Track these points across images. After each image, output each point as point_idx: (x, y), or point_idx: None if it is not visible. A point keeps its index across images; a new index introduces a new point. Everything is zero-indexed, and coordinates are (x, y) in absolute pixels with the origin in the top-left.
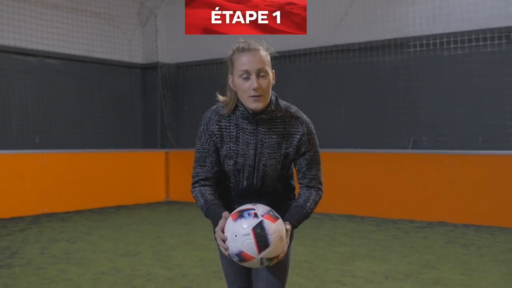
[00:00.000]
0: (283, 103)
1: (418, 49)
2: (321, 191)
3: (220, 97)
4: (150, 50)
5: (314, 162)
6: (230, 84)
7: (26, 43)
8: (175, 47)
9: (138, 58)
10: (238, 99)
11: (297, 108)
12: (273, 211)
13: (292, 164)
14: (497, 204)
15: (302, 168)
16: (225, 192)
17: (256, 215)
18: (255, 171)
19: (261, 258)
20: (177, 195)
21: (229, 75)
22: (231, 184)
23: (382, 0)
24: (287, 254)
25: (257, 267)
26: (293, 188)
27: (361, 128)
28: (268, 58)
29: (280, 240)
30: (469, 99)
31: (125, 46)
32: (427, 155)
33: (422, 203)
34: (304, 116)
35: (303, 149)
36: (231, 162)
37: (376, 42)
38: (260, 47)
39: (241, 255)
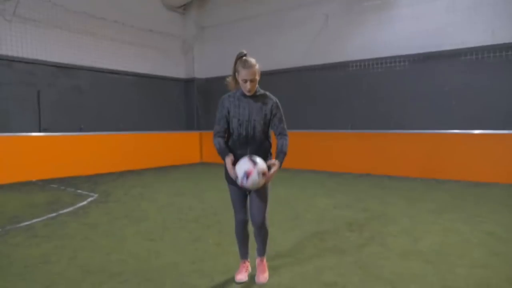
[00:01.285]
0: (262, 90)
1: (354, 68)
2: (287, 136)
3: (228, 81)
4: (189, 70)
5: (281, 120)
6: (237, 77)
7: (113, 66)
8: (205, 67)
9: (182, 74)
10: (238, 84)
11: (269, 93)
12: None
13: (270, 128)
14: (401, 162)
15: (275, 124)
16: (232, 144)
17: (254, 166)
18: (249, 124)
19: (257, 172)
20: (207, 158)
21: (236, 73)
22: (235, 137)
23: (332, 37)
24: (266, 188)
25: (257, 183)
26: (270, 145)
27: (321, 116)
28: (258, 68)
29: (254, 184)
30: (385, 98)
31: (173, 67)
32: (360, 134)
33: (356, 162)
34: (273, 96)
35: (274, 112)
36: (236, 120)
37: (329, 64)
38: (254, 64)
39: (246, 173)
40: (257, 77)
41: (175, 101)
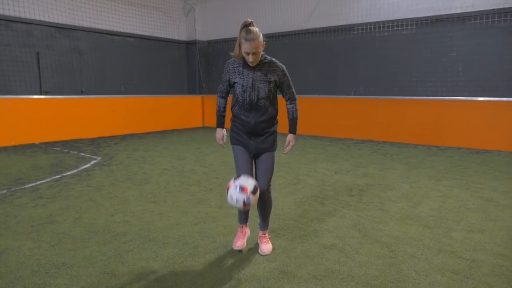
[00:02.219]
0: (269, 57)
1: (359, 32)
2: (296, 101)
3: (232, 54)
4: (191, 32)
5: (290, 86)
6: (241, 48)
7: (113, 27)
8: (207, 29)
9: (183, 37)
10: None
11: (276, 60)
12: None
13: (276, 94)
14: (403, 128)
15: (285, 89)
16: (238, 108)
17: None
18: (253, 90)
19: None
20: (209, 122)
21: (239, 44)
22: (240, 102)
23: (338, 0)
24: (274, 157)
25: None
26: (276, 112)
27: (323, 82)
28: (261, 40)
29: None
30: (389, 64)
31: (175, 29)
32: (363, 99)
33: (358, 128)
34: (279, 63)
35: (282, 80)
36: (240, 85)
37: (334, 27)
38: (257, 36)
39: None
40: (260, 49)
41: (177, 64)
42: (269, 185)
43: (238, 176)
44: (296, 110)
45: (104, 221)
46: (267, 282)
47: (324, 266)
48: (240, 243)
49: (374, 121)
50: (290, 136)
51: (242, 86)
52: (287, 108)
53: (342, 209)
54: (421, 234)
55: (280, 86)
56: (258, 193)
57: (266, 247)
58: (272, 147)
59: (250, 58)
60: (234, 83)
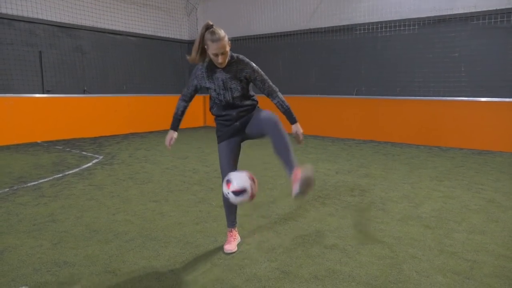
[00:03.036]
0: (235, 54)
1: (362, 32)
2: (278, 91)
3: (188, 57)
4: (193, 31)
5: (264, 80)
6: (206, 51)
7: (115, 27)
8: None
9: (185, 36)
10: (208, 56)
11: (243, 56)
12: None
13: (250, 89)
14: (405, 128)
15: (261, 86)
16: (217, 108)
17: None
18: (227, 91)
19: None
20: (210, 122)
21: (203, 46)
22: (218, 103)
23: (340, 0)
24: (258, 111)
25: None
26: (256, 101)
27: (325, 82)
28: (227, 39)
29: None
30: (392, 64)
31: (177, 29)
32: (365, 99)
33: (360, 128)
34: (246, 59)
35: (252, 77)
36: (212, 90)
37: (336, 27)
38: (223, 36)
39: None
40: (228, 49)
41: (179, 63)
42: (275, 123)
43: (222, 176)
44: (283, 101)
45: (105, 220)
46: (268, 281)
47: (325, 266)
48: (231, 246)
49: (376, 121)
50: (294, 127)
51: (215, 90)
52: (274, 104)
53: (344, 209)
54: (422, 234)
55: (254, 83)
56: (244, 194)
57: (304, 172)
58: (251, 110)
59: (219, 59)
60: (207, 88)
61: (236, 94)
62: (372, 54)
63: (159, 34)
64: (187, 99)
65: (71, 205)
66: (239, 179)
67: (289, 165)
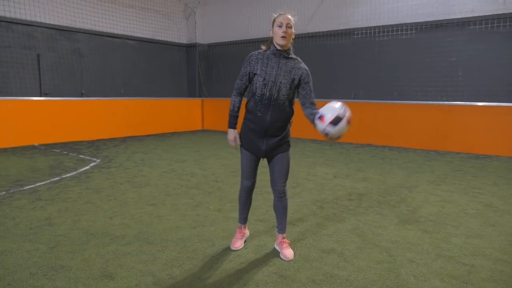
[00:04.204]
0: (294, 55)
1: (360, 36)
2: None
3: (263, 46)
4: (191, 35)
5: (312, 91)
6: (271, 33)
7: (114, 30)
8: (207, 32)
9: (183, 40)
10: (271, 43)
11: (301, 59)
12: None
13: (294, 94)
14: (403, 133)
15: (307, 92)
16: (254, 104)
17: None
18: (275, 86)
19: (347, 120)
20: (208, 125)
21: (271, 29)
22: (257, 98)
23: (338, 3)
24: (289, 157)
25: (342, 132)
26: (293, 113)
27: (323, 86)
28: (293, 22)
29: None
30: (389, 68)
31: (175, 32)
32: (363, 103)
33: (357, 132)
34: (304, 64)
35: (305, 79)
36: (261, 79)
37: (334, 31)
38: (292, 16)
39: (338, 117)
40: (293, 31)
41: (177, 67)
42: (285, 185)
43: (243, 176)
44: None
45: (102, 223)
46: (266, 286)
47: (323, 270)
48: (238, 244)
49: (374, 125)
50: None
51: (264, 79)
52: (310, 113)
53: (341, 213)
54: (420, 239)
55: (302, 87)
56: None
57: (288, 252)
58: (286, 149)
59: (282, 30)
60: (254, 75)
61: (282, 92)
62: (370, 58)
63: (157, 38)
64: (241, 92)
65: (68, 208)
66: (330, 109)
67: (281, 226)
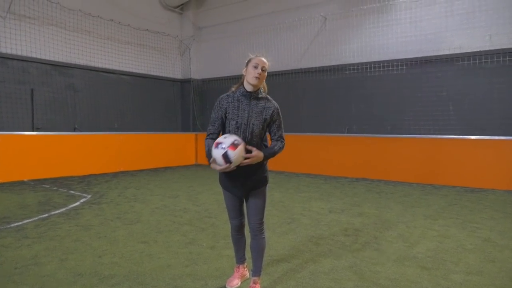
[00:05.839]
0: (264, 93)
1: (351, 71)
2: (284, 143)
3: (232, 87)
4: (186, 70)
5: (280, 127)
6: (243, 72)
7: (108, 65)
8: (201, 68)
9: (178, 75)
10: (241, 84)
11: (270, 97)
12: (237, 140)
13: (267, 133)
14: (398, 167)
15: (274, 129)
16: None
17: (223, 148)
18: (248, 128)
19: (229, 164)
20: (202, 160)
21: (245, 67)
22: None
23: (330, 40)
24: (264, 193)
25: (237, 157)
26: (266, 161)
27: (316, 120)
28: (268, 65)
29: (239, 157)
30: (382, 103)
31: (170, 68)
32: (356, 137)
33: (352, 166)
34: (274, 101)
35: (274, 118)
36: (234, 122)
37: (326, 67)
38: (265, 58)
39: (221, 161)
40: (265, 73)
41: (172, 102)
42: (261, 223)
43: (229, 216)
44: (280, 147)
45: (91, 262)
46: None
47: None
48: (235, 282)
49: (368, 159)
50: (260, 153)
51: (237, 122)
52: (272, 143)
53: (338, 249)
54: (419, 276)
55: (270, 125)
56: (234, 149)
57: None
58: (263, 184)
59: (256, 72)
60: (226, 118)
61: (255, 133)
62: (362, 93)
63: (152, 73)
64: (215, 137)
65: (55, 247)
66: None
67: (255, 267)
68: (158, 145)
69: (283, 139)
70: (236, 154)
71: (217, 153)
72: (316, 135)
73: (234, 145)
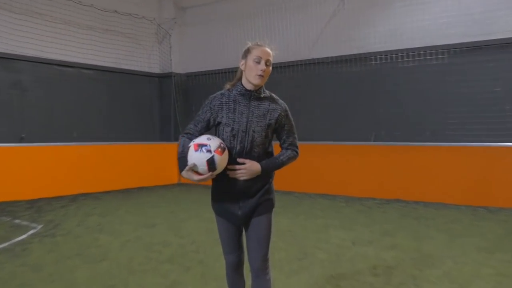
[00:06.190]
0: (267, 91)
1: (378, 62)
2: (297, 152)
3: (226, 85)
4: (165, 63)
5: (291, 132)
6: (241, 66)
7: (66, 57)
8: (185, 60)
9: (155, 69)
10: (239, 80)
11: (276, 95)
12: (223, 143)
13: (272, 140)
14: (440, 184)
15: (283, 136)
16: None
17: (209, 151)
18: (247, 136)
19: (212, 173)
20: (187, 179)
21: (242, 60)
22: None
23: (350, 23)
24: (270, 221)
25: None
26: (272, 178)
27: (334, 125)
28: (272, 56)
29: (223, 165)
30: (418, 102)
31: (145, 59)
32: (386, 147)
33: (381, 184)
34: (281, 100)
35: (283, 122)
36: (229, 129)
37: (345, 56)
38: (270, 47)
39: (204, 168)
40: (270, 68)
41: (147, 103)
42: (265, 260)
43: (224, 250)
44: (289, 156)
45: None
46: None
47: None
48: None
49: (402, 175)
50: (255, 164)
51: (232, 129)
52: (282, 151)
53: None
54: None
55: (278, 131)
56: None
57: None
58: (267, 209)
59: (259, 69)
60: (219, 123)
61: (257, 141)
62: (392, 89)
63: (122, 66)
64: (192, 137)
65: None
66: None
67: None
68: (130, 159)
69: (296, 148)
70: (223, 160)
71: (199, 158)
72: (333, 143)
73: (221, 149)
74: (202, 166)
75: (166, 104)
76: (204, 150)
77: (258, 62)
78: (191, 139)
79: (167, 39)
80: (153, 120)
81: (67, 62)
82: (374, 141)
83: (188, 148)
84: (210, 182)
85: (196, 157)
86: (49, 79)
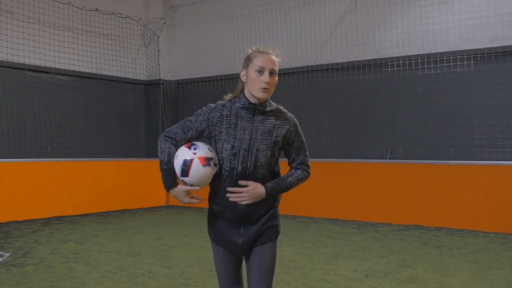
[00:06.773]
0: (274, 103)
1: (395, 68)
2: (308, 172)
3: (227, 96)
4: (153, 68)
5: (302, 149)
6: (242, 77)
7: (40, 61)
8: (175, 65)
9: (141, 75)
10: (241, 93)
11: (283, 108)
12: (215, 159)
13: (279, 158)
14: (466, 208)
15: (292, 154)
16: (219, 183)
17: (194, 154)
18: (249, 155)
19: (182, 180)
20: (175, 201)
21: (243, 70)
22: (225, 173)
23: (363, 24)
24: (274, 250)
25: (203, 177)
26: (278, 202)
27: (343, 140)
28: (278, 63)
29: (201, 180)
30: (441, 114)
31: (130, 65)
32: (403, 165)
33: (398, 208)
34: (290, 113)
35: (292, 139)
36: (229, 146)
37: (358, 62)
38: (274, 53)
39: (186, 163)
40: (276, 78)
41: (131, 114)
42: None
43: (220, 283)
44: (297, 178)
45: None
46: None
47: None
48: None
49: (422, 197)
50: (259, 187)
51: (233, 147)
52: (290, 171)
53: None
54: None
55: (287, 148)
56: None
57: None
58: (271, 237)
59: (262, 80)
60: (216, 139)
61: (262, 161)
62: (411, 100)
63: (103, 72)
64: (177, 144)
65: None
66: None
67: None
68: (111, 178)
69: (308, 167)
70: (203, 174)
71: (181, 153)
72: (344, 161)
73: (207, 160)
74: (178, 164)
75: (153, 115)
76: (191, 148)
77: (261, 72)
78: (174, 145)
79: (154, 41)
80: (139, 134)
81: (41, 67)
82: (390, 158)
83: (190, 161)
84: (206, 205)
85: (204, 172)
86: (20, 86)
